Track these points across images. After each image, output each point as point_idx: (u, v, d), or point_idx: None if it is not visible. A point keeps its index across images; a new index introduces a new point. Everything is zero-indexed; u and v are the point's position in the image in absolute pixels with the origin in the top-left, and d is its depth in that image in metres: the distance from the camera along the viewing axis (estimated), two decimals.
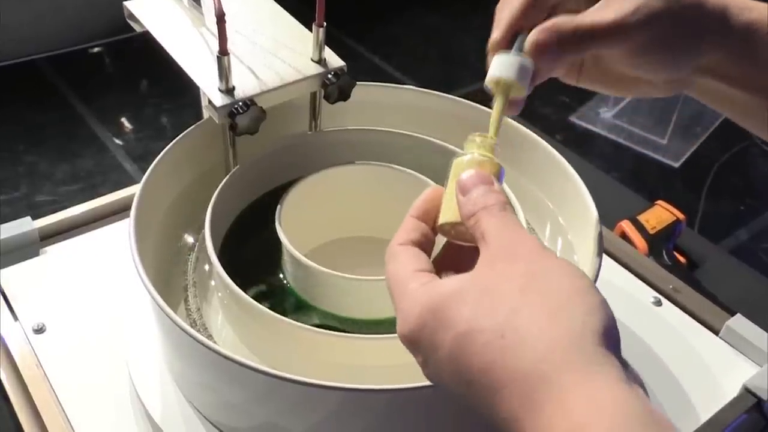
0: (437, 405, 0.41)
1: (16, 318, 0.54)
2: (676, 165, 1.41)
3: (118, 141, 1.55)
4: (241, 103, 0.49)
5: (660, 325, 0.57)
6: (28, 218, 0.60)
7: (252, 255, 0.52)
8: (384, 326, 0.48)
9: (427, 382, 0.38)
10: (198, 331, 0.48)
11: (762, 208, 1.37)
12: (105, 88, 1.62)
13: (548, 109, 1.65)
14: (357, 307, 0.48)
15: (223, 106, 0.49)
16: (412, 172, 0.54)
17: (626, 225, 0.74)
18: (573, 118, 1.55)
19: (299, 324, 0.43)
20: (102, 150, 1.56)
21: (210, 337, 0.48)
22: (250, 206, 0.55)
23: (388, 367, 0.45)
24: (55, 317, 0.54)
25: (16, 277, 0.57)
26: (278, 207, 0.51)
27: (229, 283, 0.45)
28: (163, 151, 0.51)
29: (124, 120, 1.58)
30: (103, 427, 0.48)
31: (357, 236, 0.58)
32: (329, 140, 0.57)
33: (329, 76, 0.53)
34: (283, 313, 0.47)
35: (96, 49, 1.72)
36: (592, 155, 1.49)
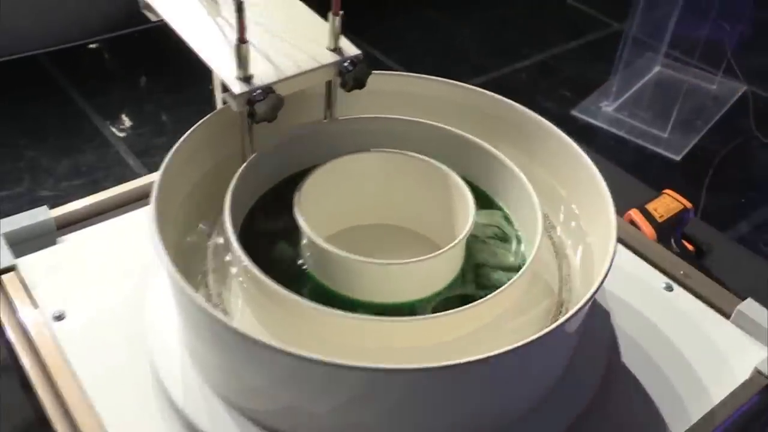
0: (464, 384, 0.42)
1: (36, 305, 0.55)
2: (677, 158, 1.43)
3: (119, 136, 1.55)
4: (260, 91, 0.50)
5: (672, 311, 0.58)
6: (45, 207, 0.61)
7: (269, 242, 0.53)
8: (405, 310, 0.49)
9: (452, 362, 0.39)
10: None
11: (763, 200, 1.38)
12: (106, 84, 1.63)
13: (550, 103, 1.66)
14: (376, 291, 0.49)
15: (242, 94, 0.50)
16: (428, 159, 0.55)
17: (635, 214, 0.76)
18: (574, 112, 1.57)
19: (325, 308, 0.44)
20: (104, 145, 1.57)
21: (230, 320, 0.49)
22: (267, 194, 0.56)
23: (416, 348, 0.46)
24: (74, 304, 0.55)
25: (34, 265, 0.57)
26: (296, 194, 0.51)
27: (252, 269, 0.45)
28: (182, 139, 0.52)
29: (124, 116, 1.58)
30: (127, 411, 0.48)
31: (373, 224, 0.59)
32: (344, 128, 0.58)
33: (345, 64, 0.53)
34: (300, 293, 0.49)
35: (96, 45, 1.72)
36: (593, 149, 1.50)
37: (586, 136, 1.51)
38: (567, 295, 0.52)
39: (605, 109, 1.55)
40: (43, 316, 0.54)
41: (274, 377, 0.43)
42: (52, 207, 0.61)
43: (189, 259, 0.53)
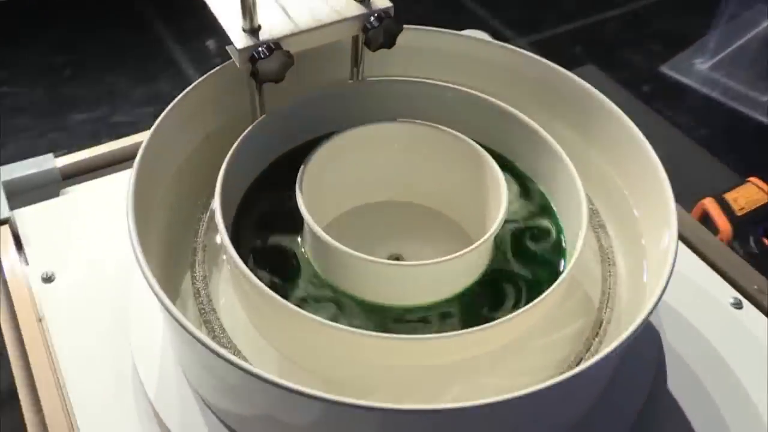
0: (468, 426, 0.34)
1: (26, 263, 0.49)
2: None
3: (195, 66, 1.50)
4: (264, 47, 0.41)
5: (737, 332, 0.48)
6: (51, 155, 0.55)
7: (273, 217, 0.45)
8: (415, 314, 0.41)
9: (448, 405, 0.31)
10: (201, 302, 0.42)
11: None
12: (188, 12, 1.56)
13: (637, 56, 1.49)
14: (381, 291, 0.41)
15: (245, 49, 0.41)
16: (460, 135, 0.46)
17: (709, 203, 0.63)
18: (664, 68, 1.40)
19: (322, 320, 0.36)
20: (178, 74, 1.52)
21: (213, 311, 0.41)
22: (277, 161, 0.47)
23: (420, 367, 0.38)
24: (66, 266, 0.49)
25: (32, 218, 0.52)
26: (301, 168, 0.43)
27: (243, 269, 0.37)
28: (179, 98, 0.44)
29: (203, 45, 1.52)
30: (98, 398, 0.43)
31: (393, 201, 0.50)
32: (369, 91, 0.48)
33: (372, 18, 0.44)
34: (300, 290, 0.41)
35: None
36: (680, 110, 1.34)
37: (673, 95, 1.35)
38: (608, 314, 0.42)
39: (699, 67, 1.38)
40: (26, 277, 0.48)
41: (267, 405, 0.36)
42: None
43: (185, 230, 0.45)
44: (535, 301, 0.38)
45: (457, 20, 1.49)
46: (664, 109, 1.28)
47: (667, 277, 0.38)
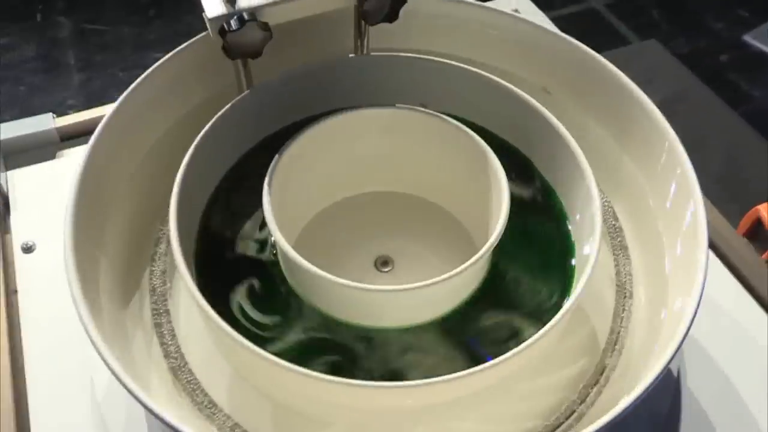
0: None
1: (7, 231, 0.44)
2: None
3: None
4: (236, 18, 0.33)
5: None
6: (50, 115, 0.49)
7: (250, 210, 0.37)
8: (381, 334, 0.33)
9: None
10: (155, 301, 0.35)
11: None
12: None
13: (720, 24, 1.31)
14: (348, 311, 0.33)
15: (216, 18, 0.33)
16: (460, 125, 0.36)
17: (765, 210, 0.51)
18: (747, 37, 1.22)
19: (272, 357, 0.28)
20: None
21: (167, 312, 0.35)
22: (261, 144, 0.39)
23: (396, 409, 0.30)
24: (48, 237, 0.43)
25: (23, 181, 0.46)
26: (275, 159, 0.35)
27: (211, 314, 0.30)
28: (151, 69, 0.37)
29: None
30: (55, 386, 0.37)
31: (391, 192, 0.41)
32: (365, 66, 0.39)
33: None
34: (272, 301, 0.34)
35: None
36: (759, 83, 1.17)
37: (753, 66, 1.18)
38: (614, 359, 0.33)
39: None
40: (7, 245, 0.43)
41: None
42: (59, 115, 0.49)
43: (149, 221, 0.38)
44: (522, 345, 0.29)
45: None
46: (741, 80, 1.12)
47: (688, 324, 0.29)
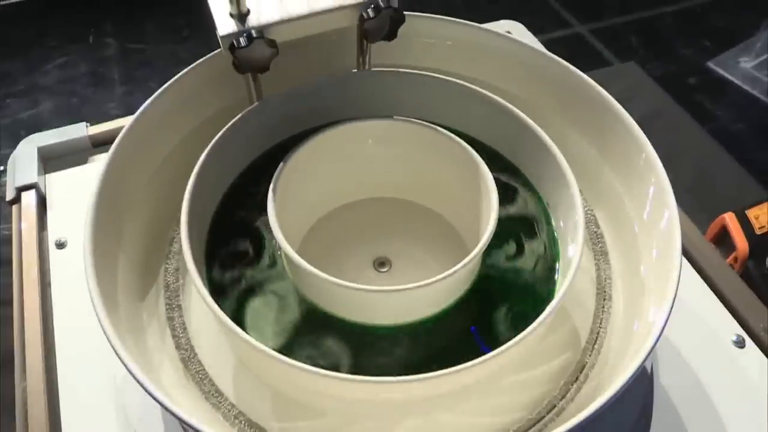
0: None
1: (44, 228, 0.42)
2: None
3: None
4: (245, 35, 0.31)
5: (736, 374, 0.35)
6: (83, 124, 0.46)
7: (256, 215, 0.35)
8: (379, 332, 0.30)
9: None
10: (168, 297, 0.33)
11: None
12: None
13: (688, 50, 1.28)
14: (358, 312, 0.30)
15: (227, 36, 0.31)
16: (453, 135, 0.34)
17: (729, 218, 0.49)
18: (710, 64, 1.19)
19: (271, 352, 0.26)
20: None
21: (178, 307, 0.32)
22: (269, 153, 0.37)
23: (386, 403, 0.28)
24: (79, 233, 0.41)
25: (59, 183, 0.44)
26: (279, 167, 0.32)
27: (219, 315, 0.28)
28: (167, 84, 0.34)
29: None
30: (82, 377, 0.35)
31: (390, 198, 0.39)
32: (368, 82, 0.37)
33: (370, 8, 0.32)
34: (279, 301, 0.31)
35: None
36: (722, 105, 1.14)
37: (717, 89, 1.15)
38: (593, 357, 0.30)
39: (743, 65, 1.17)
40: (43, 241, 0.41)
41: None
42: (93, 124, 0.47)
43: (165, 224, 0.36)
44: (508, 344, 0.26)
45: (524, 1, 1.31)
46: (706, 101, 1.09)
47: (659, 333, 0.26)
